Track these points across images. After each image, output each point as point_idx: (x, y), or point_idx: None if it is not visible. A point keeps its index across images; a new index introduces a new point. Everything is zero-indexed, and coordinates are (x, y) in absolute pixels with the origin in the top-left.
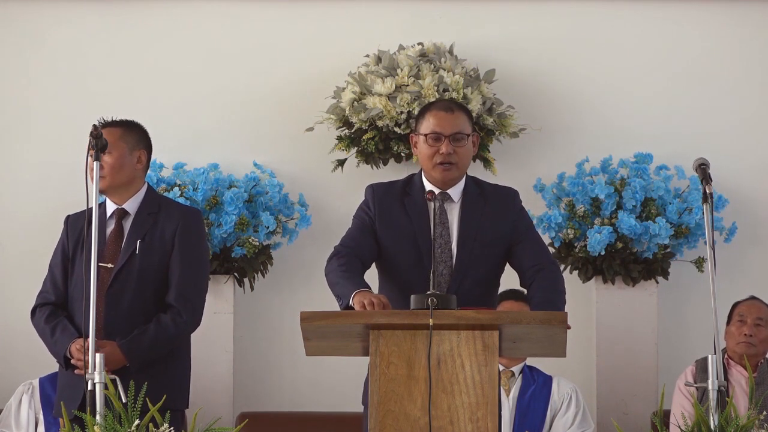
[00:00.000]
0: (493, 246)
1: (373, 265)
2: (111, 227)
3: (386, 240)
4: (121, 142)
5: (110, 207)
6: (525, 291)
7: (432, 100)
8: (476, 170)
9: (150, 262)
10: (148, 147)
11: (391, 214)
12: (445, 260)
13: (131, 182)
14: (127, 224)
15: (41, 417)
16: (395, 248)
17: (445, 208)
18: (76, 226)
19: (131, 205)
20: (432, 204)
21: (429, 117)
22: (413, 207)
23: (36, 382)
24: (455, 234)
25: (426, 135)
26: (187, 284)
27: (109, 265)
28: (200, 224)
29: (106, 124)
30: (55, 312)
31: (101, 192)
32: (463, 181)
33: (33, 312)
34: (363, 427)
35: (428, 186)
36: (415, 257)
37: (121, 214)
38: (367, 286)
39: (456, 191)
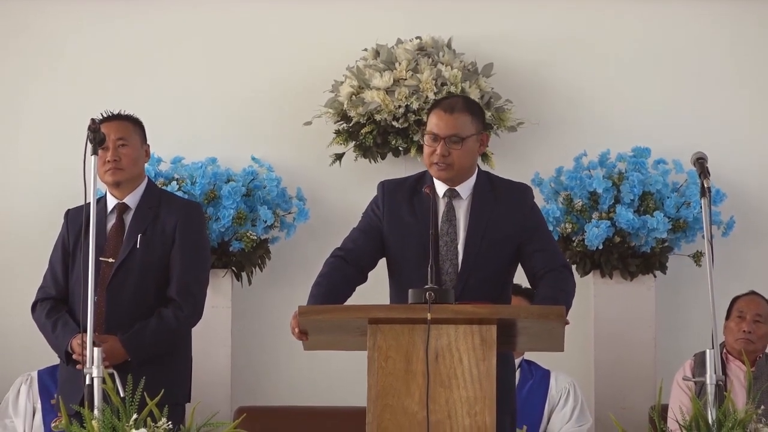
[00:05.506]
0: (501, 244)
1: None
2: (112, 222)
3: (392, 238)
4: (134, 135)
5: (111, 202)
6: (522, 285)
7: (432, 93)
8: None
9: (151, 256)
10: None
11: (399, 212)
12: (451, 258)
13: (140, 175)
14: (128, 218)
15: (39, 406)
16: (401, 246)
17: (453, 205)
18: (77, 220)
19: (132, 199)
20: (442, 201)
21: (431, 115)
22: (421, 205)
23: (35, 374)
24: (462, 231)
25: (426, 134)
26: (188, 278)
27: (110, 260)
28: (201, 218)
29: (115, 117)
30: (56, 307)
31: (116, 183)
32: (474, 177)
33: (33, 307)
34: None
35: (437, 183)
36: (420, 255)
37: (122, 208)
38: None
39: (466, 187)
